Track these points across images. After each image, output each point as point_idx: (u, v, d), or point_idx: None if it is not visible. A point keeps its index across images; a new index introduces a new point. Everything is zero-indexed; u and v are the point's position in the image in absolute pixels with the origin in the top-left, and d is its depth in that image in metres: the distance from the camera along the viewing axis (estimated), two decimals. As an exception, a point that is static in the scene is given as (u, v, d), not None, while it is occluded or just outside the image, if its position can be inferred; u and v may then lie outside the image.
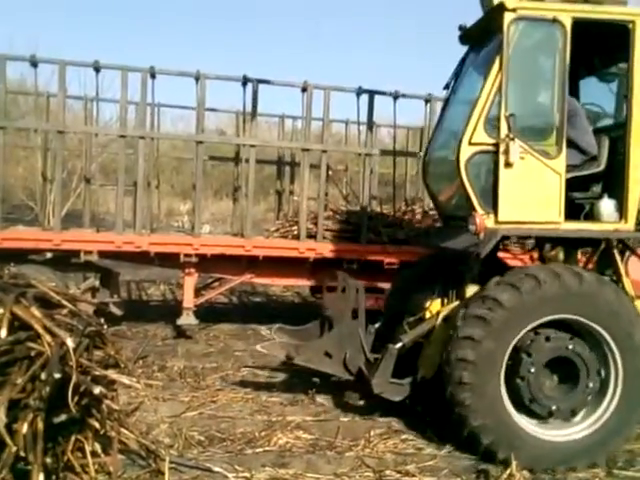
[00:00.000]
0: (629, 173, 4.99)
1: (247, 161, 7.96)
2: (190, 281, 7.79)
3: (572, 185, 5.15)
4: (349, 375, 5.32)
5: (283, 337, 5.74)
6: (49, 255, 7.31)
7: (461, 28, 5.46)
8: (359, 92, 8.32)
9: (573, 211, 5.18)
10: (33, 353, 3.42)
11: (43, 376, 3.26)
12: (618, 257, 5.25)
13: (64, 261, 7.38)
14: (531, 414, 4.74)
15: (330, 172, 8.40)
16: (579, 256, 5.90)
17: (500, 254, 6.22)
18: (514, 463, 4.38)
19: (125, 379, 3.85)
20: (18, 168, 12.09)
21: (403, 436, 5.07)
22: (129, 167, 7.86)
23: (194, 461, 4.44)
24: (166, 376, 6.44)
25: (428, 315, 5.31)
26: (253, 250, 7.76)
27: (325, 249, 7.85)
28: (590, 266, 5.56)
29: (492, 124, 4.85)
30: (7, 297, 3.48)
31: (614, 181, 5.16)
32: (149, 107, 8.11)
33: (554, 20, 4.79)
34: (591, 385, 4.70)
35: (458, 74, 5.70)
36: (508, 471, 4.38)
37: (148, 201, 8.24)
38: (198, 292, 8.24)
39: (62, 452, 3.67)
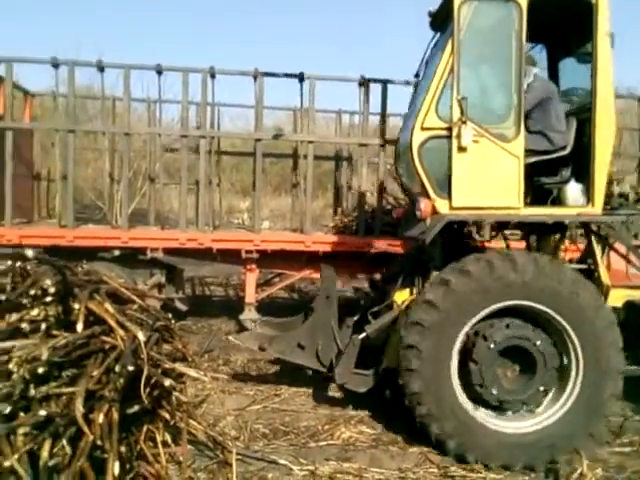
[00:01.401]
0: (595, 155, 4.79)
1: (305, 157, 8.01)
2: (251, 277, 7.92)
3: (540, 170, 5.03)
4: (322, 367, 5.27)
5: (264, 328, 5.80)
6: (117, 252, 7.58)
7: (430, 14, 5.33)
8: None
9: (544, 196, 5.06)
10: (107, 346, 3.58)
11: (117, 368, 3.40)
12: (595, 245, 5.08)
13: (131, 258, 7.65)
14: (490, 407, 4.63)
15: (388, 166, 8.33)
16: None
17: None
18: (585, 462, 4.24)
19: (193, 372, 3.96)
20: (87, 170, 12.59)
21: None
22: (191, 166, 8.05)
23: (260, 453, 4.54)
24: (230, 370, 6.59)
25: (395, 305, 5.24)
26: (313, 246, 7.81)
27: (383, 244, 7.81)
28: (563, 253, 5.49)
29: (444, 108, 4.73)
30: (82, 293, 3.64)
31: (581, 164, 4.95)
32: (209, 107, 8.28)
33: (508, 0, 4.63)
34: (547, 377, 4.55)
35: (426, 60, 5.52)
36: (579, 470, 4.24)
37: (210, 199, 8.42)
38: (259, 288, 8.37)
39: (135, 441, 3.82)
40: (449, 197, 4.74)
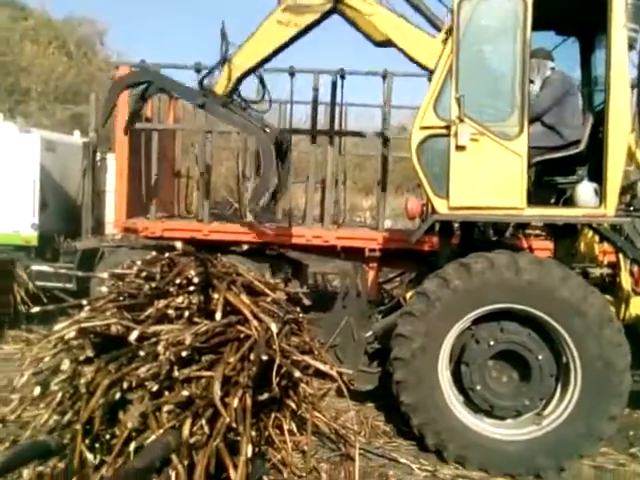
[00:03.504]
0: (608, 154, 4.40)
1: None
2: (373, 275, 7.97)
3: (554, 168, 4.77)
4: (339, 362, 5.16)
5: None
6: (245, 247, 7.96)
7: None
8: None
9: (558, 196, 4.84)
10: (242, 335, 3.80)
11: (251, 357, 3.61)
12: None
13: (259, 252, 8.00)
14: (488, 415, 4.49)
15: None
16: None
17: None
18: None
19: (320, 365, 4.09)
20: (221, 168, 13.32)
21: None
22: (317, 164, 8.26)
23: (381, 450, 4.59)
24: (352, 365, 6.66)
25: (403, 303, 5.09)
26: (436, 246, 7.70)
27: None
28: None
29: (444, 107, 4.57)
30: (221, 284, 3.90)
31: (597, 163, 4.57)
32: (337, 106, 8.44)
33: None
34: (543, 384, 4.36)
35: None
36: None
37: (335, 197, 8.58)
38: (380, 286, 8.40)
39: (264, 427, 4.02)
40: (447, 197, 4.61)
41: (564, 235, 5.20)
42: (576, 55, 5.41)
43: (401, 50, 5.10)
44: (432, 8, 5.31)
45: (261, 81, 5.93)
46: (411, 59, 5.01)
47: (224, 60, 5.35)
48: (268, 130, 5.41)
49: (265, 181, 5.39)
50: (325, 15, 5.16)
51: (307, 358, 4.09)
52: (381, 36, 5.08)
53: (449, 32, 4.65)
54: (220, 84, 5.46)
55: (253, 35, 5.29)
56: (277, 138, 5.48)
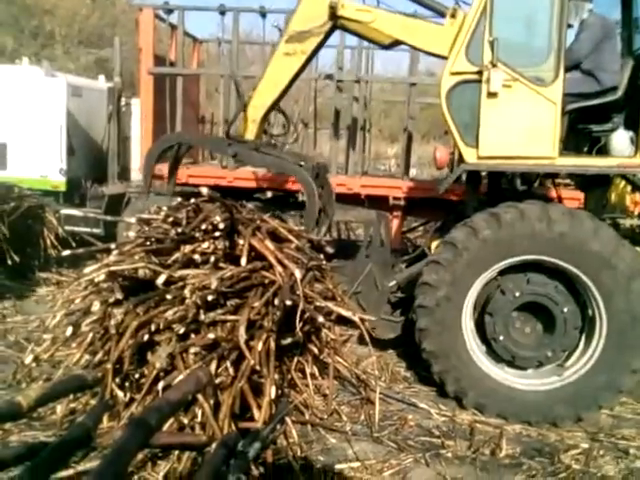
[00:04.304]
0: None
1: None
2: (397, 224, 7.94)
3: (590, 115, 4.59)
4: (361, 310, 5.17)
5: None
6: (270, 194, 7.96)
7: None
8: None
9: (592, 145, 4.68)
10: (267, 281, 3.86)
11: (276, 302, 3.67)
12: None
13: (283, 200, 8.00)
14: (510, 365, 4.55)
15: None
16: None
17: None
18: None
19: (343, 311, 4.14)
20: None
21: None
22: (342, 111, 8.14)
23: (401, 395, 4.69)
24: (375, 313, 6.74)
25: (428, 254, 5.06)
26: (462, 196, 7.61)
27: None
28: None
29: (476, 51, 4.39)
30: (246, 230, 3.93)
31: (633, 110, 4.41)
32: (364, 51, 8.23)
33: None
34: (567, 337, 4.37)
35: None
36: None
37: (359, 144, 8.48)
38: (403, 235, 8.38)
39: (287, 370, 4.13)
40: (477, 146, 4.50)
41: (595, 185, 5.07)
42: None
43: (412, 46, 5.01)
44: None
45: (284, 114, 6.05)
46: (425, 52, 4.92)
47: (244, 107, 5.40)
48: (304, 164, 5.34)
49: (309, 217, 5.40)
50: (328, 34, 5.12)
51: (330, 304, 4.14)
52: (388, 38, 5.00)
53: None
54: (247, 129, 5.46)
55: (265, 73, 5.32)
56: (313, 167, 5.40)
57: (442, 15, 4.94)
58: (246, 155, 5.40)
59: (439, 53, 4.69)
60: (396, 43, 5.07)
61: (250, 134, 5.47)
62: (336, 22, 4.99)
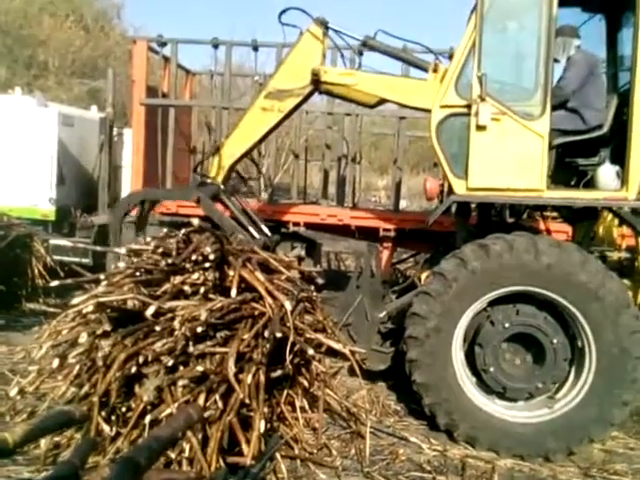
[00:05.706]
0: (632, 136, 4.36)
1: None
2: (387, 255, 7.96)
3: (576, 150, 4.72)
4: (351, 341, 5.15)
5: None
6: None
7: None
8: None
9: (579, 178, 4.76)
10: (257, 312, 3.83)
11: (265, 334, 3.64)
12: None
13: (274, 231, 8.00)
14: (500, 397, 4.53)
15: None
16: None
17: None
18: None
19: (333, 343, 4.11)
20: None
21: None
22: (333, 143, 8.22)
23: (391, 429, 4.63)
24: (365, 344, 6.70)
25: (418, 284, 5.08)
26: (451, 227, 7.66)
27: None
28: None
29: (465, 86, 4.52)
30: (236, 261, 3.92)
31: (620, 145, 4.51)
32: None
33: None
34: (557, 368, 4.37)
35: None
36: None
37: (350, 176, 8.55)
38: (393, 266, 8.39)
39: (277, 403, 4.07)
40: (466, 177, 4.57)
41: (583, 218, 5.15)
42: (602, 33, 5.26)
43: (398, 103, 5.13)
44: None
45: (253, 162, 6.25)
46: (411, 107, 5.02)
47: (216, 149, 5.48)
48: (257, 237, 5.32)
49: None
50: (308, 96, 5.24)
51: (320, 336, 4.11)
52: (374, 98, 5.12)
53: (473, 9, 4.56)
54: (214, 171, 5.53)
55: (239, 123, 5.39)
56: (265, 243, 5.29)
57: (423, 69, 5.08)
58: (207, 205, 5.31)
59: (424, 107, 4.80)
60: (382, 102, 5.18)
61: (218, 177, 5.52)
62: (319, 87, 5.10)
